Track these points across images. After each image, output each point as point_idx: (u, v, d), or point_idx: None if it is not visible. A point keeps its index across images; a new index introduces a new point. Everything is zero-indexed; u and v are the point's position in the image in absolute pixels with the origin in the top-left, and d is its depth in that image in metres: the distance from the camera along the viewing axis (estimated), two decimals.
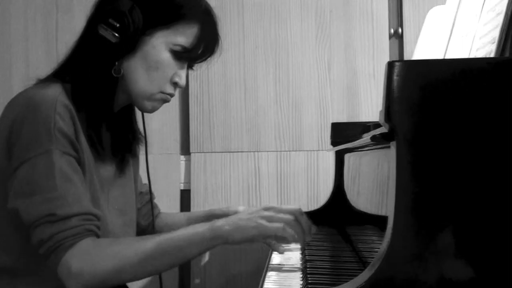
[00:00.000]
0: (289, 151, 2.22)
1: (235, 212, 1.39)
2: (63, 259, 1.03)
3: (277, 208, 1.16)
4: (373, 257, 0.83)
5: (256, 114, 2.24)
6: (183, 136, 2.30)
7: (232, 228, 1.10)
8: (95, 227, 1.08)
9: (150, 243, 1.08)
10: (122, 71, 1.15)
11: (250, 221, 1.11)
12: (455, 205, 0.80)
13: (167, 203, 2.23)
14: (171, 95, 1.21)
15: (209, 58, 1.22)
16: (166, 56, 1.16)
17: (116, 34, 1.12)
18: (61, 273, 1.03)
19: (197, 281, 2.19)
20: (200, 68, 2.26)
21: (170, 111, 2.28)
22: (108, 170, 1.22)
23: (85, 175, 1.12)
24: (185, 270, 2.23)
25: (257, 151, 2.23)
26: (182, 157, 2.29)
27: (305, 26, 2.24)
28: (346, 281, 0.84)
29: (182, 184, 2.27)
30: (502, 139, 0.80)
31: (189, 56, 1.19)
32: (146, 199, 1.44)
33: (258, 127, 2.23)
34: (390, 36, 2.23)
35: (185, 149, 2.29)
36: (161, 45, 1.15)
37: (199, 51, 1.19)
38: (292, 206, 1.22)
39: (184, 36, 1.16)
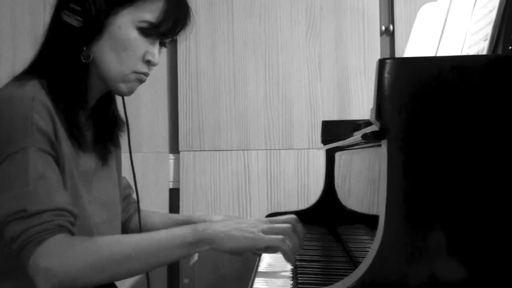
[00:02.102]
0: (279, 149, 2.21)
1: (215, 219, 1.37)
2: (33, 256, 1.00)
3: (274, 219, 1.13)
4: (364, 257, 0.83)
5: (245, 112, 2.23)
6: (172, 134, 2.29)
7: (222, 235, 1.06)
8: (68, 223, 1.05)
9: (126, 242, 1.06)
10: (91, 56, 1.13)
11: (245, 232, 1.07)
12: (446, 204, 0.80)
13: (155, 202, 2.22)
14: (146, 74, 1.19)
15: (180, 33, 1.20)
16: (134, 34, 1.14)
17: (79, 18, 1.11)
18: (31, 270, 1.01)
19: (186, 281, 2.18)
20: (189, 67, 2.26)
21: (158, 109, 2.27)
22: (89, 162, 1.20)
23: (64, 172, 1.10)
24: (174, 270, 2.22)
25: (247, 150, 2.22)
26: (171, 156, 2.28)
27: (295, 23, 2.24)
28: (337, 281, 0.83)
29: (171, 183, 2.26)
30: (494, 137, 0.80)
31: (158, 32, 1.17)
32: (125, 193, 1.42)
33: (247, 125, 2.23)
34: (381, 33, 2.23)
35: (174, 148, 2.28)
36: (126, 23, 1.13)
37: (168, 26, 1.17)
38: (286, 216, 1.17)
39: (149, 11, 1.14)
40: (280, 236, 1.08)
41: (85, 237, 1.09)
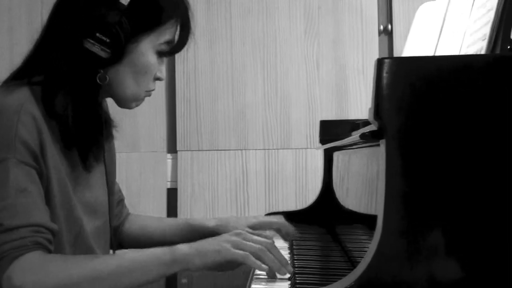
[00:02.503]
0: (277, 149, 2.21)
1: (213, 222, 1.35)
2: (7, 272, 0.98)
3: (248, 236, 1.09)
4: (362, 257, 0.83)
5: (243, 112, 2.23)
6: (170, 134, 2.28)
7: (193, 252, 1.03)
8: (45, 241, 1.02)
9: (101, 263, 1.04)
10: (107, 79, 1.13)
11: (212, 245, 1.04)
12: (445, 204, 0.80)
13: (153, 202, 2.22)
14: (153, 90, 1.19)
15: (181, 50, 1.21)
16: (153, 58, 1.14)
17: (107, 49, 1.08)
18: (4, 286, 0.98)
19: (184, 281, 2.17)
20: (187, 66, 2.25)
21: (156, 109, 2.27)
22: (80, 169, 1.18)
23: (51, 183, 1.08)
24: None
25: (245, 149, 2.22)
26: (169, 155, 2.27)
27: (294, 23, 2.23)
28: (335, 281, 0.83)
29: (168, 183, 2.26)
30: (493, 137, 0.80)
31: (171, 52, 1.17)
32: (117, 198, 1.40)
33: (245, 125, 2.22)
34: (380, 33, 2.22)
35: (172, 147, 2.27)
36: (149, 50, 1.13)
37: (180, 46, 1.18)
38: (265, 236, 1.12)
39: (167, 35, 1.15)
40: (244, 252, 1.05)
41: (59, 255, 1.07)
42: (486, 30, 0.96)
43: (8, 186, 1.00)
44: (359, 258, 1.05)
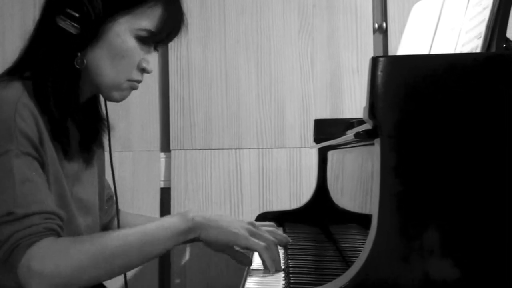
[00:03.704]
0: (271, 148, 2.21)
1: None
2: (23, 259, 0.99)
3: (261, 229, 1.13)
4: (356, 257, 0.83)
5: (237, 111, 2.22)
6: (163, 133, 2.28)
7: (209, 224, 1.07)
8: (57, 226, 1.04)
9: (116, 238, 1.05)
10: (85, 62, 1.12)
11: (232, 227, 1.08)
12: (440, 203, 0.80)
13: (146, 201, 2.21)
14: (139, 82, 1.18)
15: (174, 38, 1.19)
16: (132, 42, 1.12)
17: (76, 25, 1.08)
18: (21, 274, 0.99)
19: (177, 280, 2.17)
20: (180, 64, 2.25)
21: (150, 107, 2.26)
22: (73, 166, 1.18)
23: (49, 176, 1.08)
24: (165, 270, 2.21)
25: (239, 148, 2.21)
26: (162, 154, 2.27)
27: (288, 21, 2.23)
28: (329, 281, 0.83)
29: (162, 182, 2.25)
30: (489, 136, 0.80)
31: (156, 40, 1.15)
32: (107, 195, 1.40)
33: (239, 124, 2.22)
34: (374, 31, 2.22)
35: (165, 146, 2.27)
36: (125, 31, 1.11)
37: (166, 33, 1.15)
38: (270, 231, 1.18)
39: (148, 19, 1.12)
40: (263, 243, 1.08)
41: (75, 237, 1.07)
42: (482, 29, 0.96)
43: (13, 176, 1.01)
44: (354, 258, 1.05)
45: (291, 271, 1.13)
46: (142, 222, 1.42)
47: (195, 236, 1.07)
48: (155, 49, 1.20)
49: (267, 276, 1.12)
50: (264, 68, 2.23)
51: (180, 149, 2.23)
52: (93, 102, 1.25)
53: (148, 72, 1.17)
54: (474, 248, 0.79)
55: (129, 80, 1.15)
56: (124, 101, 2.36)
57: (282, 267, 1.16)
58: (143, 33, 1.12)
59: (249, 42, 2.24)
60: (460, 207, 0.80)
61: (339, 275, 0.82)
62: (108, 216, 1.40)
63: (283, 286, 1.07)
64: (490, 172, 0.80)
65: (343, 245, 1.31)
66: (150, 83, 2.27)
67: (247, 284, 1.08)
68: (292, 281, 1.06)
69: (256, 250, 1.09)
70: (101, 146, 1.31)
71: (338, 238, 1.41)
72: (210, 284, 2.17)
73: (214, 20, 2.25)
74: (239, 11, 2.24)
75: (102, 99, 1.29)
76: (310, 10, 2.22)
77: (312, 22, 2.22)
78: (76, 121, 1.19)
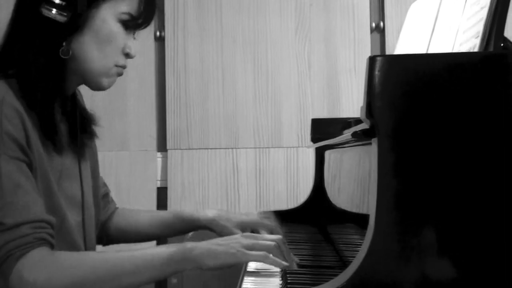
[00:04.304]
0: (268, 147, 2.20)
1: (204, 216, 1.34)
2: (14, 270, 0.98)
3: (257, 236, 1.10)
4: (354, 256, 0.83)
5: (234, 110, 2.22)
6: (160, 132, 2.27)
7: (205, 253, 1.03)
8: (47, 235, 1.02)
9: (111, 260, 1.03)
10: (71, 52, 1.11)
11: (228, 248, 1.04)
12: (437, 202, 0.80)
13: (143, 201, 2.20)
14: (124, 67, 1.18)
15: (148, 25, 1.20)
16: (117, 27, 1.13)
17: (63, 13, 1.08)
18: (13, 284, 0.98)
19: (174, 281, 2.16)
20: (177, 64, 2.24)
21: (146, 107, 2.26)
22: (64, 161, 1.17)
23: (37, 177, 1.07)
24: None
25: (235, 148, 2.21)
26: (159, 154, 2.26)
27: (285, 20, 2.23)
28: (327, 281, 0.83)
29: (158, 182, 2.25)
30: (486, 135, 0.80)
31: (136, 24, 1.16)
32: (103, 192, 1.39)
33: (236, 123, 2.21)
34: (372, 30, 2.22)
35: (162, 146, 2.26)
36: (110, 16, 1.12)
37: (144, 17, 1.16)
38: (272, 235, 1.15)
39: (128, 3, 1.13)
40: (263, 252, 1.05)
41: (68, 252, 1.07)
42: (479, 28, 0.96)
43: (2, 184, 1.00)
44: (351, 258, 1.05)
45: (288, 271, 1.13)
46: (145, 219, 1.42)
47: (194, 267, 1.04)
48: (134, 35, 1.20)
49: (263, 278, 1.12)
50: (261, 68, 2.23)
51: (177, 149, 2.23)
52: (73, 98, 1.24)
53: (131, 57, 1.17)
54: (472, 247, 0.79)
55: (116, 66, 1.15)
56: (120, 101, 2.37)
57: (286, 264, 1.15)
58: (125, 17, 1.13)
59: (246, 42, 2.23)
60: (457, 206, 0.80)
61: (336, 275, 0.82)
62: (106, 213, 1.40)
63: (280, 286, 1.07)
64: (488, 171, 0.80)
65: (341, 244, 1.31)
66: (147, 83, 2.26)
67: (244, 284, 1.08)
68: (289, 281, 1.06)
69: (259, 261, 1.07)
70: (92, 138, 1.29)
71: (335, 237, 1.40)
72: (207, 284, 2.17)
73: (210, 19, 2.24)
74: (236, 10, 2.24)
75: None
76: (307, 9, 2.22)
77: (309, 21, 2.22)
78: (64, 113, 1.18)
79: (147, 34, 2.25)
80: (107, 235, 1.38)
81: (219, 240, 1.07)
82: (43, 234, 1.01)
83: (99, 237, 1.34)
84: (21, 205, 1.00)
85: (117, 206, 1.43)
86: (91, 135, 1.27)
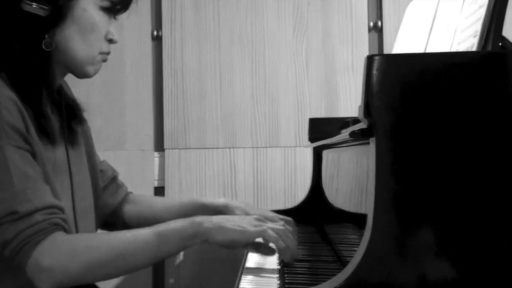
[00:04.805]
0: (266, 147, 2.20)
1: (224, 204, 1.34)
2: (32, 257, 0.99)
3: (267, 221, 1.11)
4: (352, 256, 0.82)
5: (232, 110, 2.22)
6: (157, 132, 2.27)
7: (215, 228, 1.06)
8: (61, 221, 1.04)
9: (126, 238, 1.05)
10: (54, 44, 1.12)
11: (238, 225, 1.07)
12: (436, 203, 0.80)
13: None
14: (108, 53, 1.19)
15: (128, 8, 1.20)
16: (98, 14, 1.14)
17: (44, 6, 1.09)
18: (31, 272, 1.00)
19: (171, 280, 2.16)
20: (174, 64, 2.24)
21: (143, 106, 2.25)
22: (58, 152, 1.17)
23: (39, 166, 1.08)
24: (159, 269, 2.21)
25: (233, 148, 2.21)
26: (156, 154, 2.26)
27: (282, 19, 2.22)
28: (324, 281, 0.82)
29: (156, 181, 2.25)
30: (484, 134, 0.80)
31: (116, 9, 1.17)
32: (110, 175, 1.39)
33: (233, 123, 2.21)
34: (370, 30, 2.22)
35: (159, 146, 2.26)
36: (90, 5, 1.13)
37: (124, 1, 1.17)
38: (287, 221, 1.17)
39: None
40: (274, 234, 1.07)
41: (84, 234, 1.09)
42: (477, 27, 0.96)
43: (10, 173, 1.01)
44: (349, 258, 1.05)
45: (285, 271, 1.13)
46: (157, 204, 1.42)
47: (203, 240, 1.07)
48: (114, 18, 1.20)
49: (261, 278, 1.12)
50: (259, 67, 2.22)
51: (174, 148, 2.22)
52: (60, 87, 1.25)
53: (114, 42, 1.18)
54: (470, 247, 0.79)
55: (101, 53, 1.15)
56: (117, 100, 2.36)
57: (276, 265, 1.16)
58: (106, 4, 1.14)
59: (243, 41, 2.23)
60: (456, 206, 0.79)
61: (334, 275, 0.82)
62: (116, 198, 1.39)
63: (278, 286, 1.07)
64: (486, 171, 0.79)
65: (338, 245, 1.31)
66: (144, 82, 2.26)
67: (242, 284, 1.08)
68: (287, 281, 1.05)
69: (260, 236, 1.08)
70: (81, 124, 1.29)
71: (333, 237, 1.40)
72: (205, 284, 2.17)
73: (208, 18, 2.24)
74: (233, 9, 2.24)
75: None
76: (305, 8, 2.22)
77: (307, 21, 2.22)
78: (54, 104, 1.18)
79: (144, 34, 2.25)
80: (123, 221, 1.38)
81: (229, 217, 1.10)
82: (56, 219, 1.03)
83: (112, 223, 1.35)
84: (32, 193, 1.01)
85: (128, 190, 1.43)
86: (81, 120, 1.28)
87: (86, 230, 1.22)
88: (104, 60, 1.18)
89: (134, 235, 1.06)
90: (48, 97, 1.16)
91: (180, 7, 2.24)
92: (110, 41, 1.17)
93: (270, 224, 1.10)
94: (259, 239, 1.11)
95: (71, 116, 1.24)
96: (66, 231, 1.05)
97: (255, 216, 1.12)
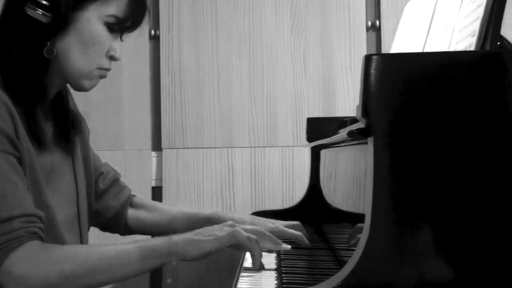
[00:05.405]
0: (264, 147, 2.20)
1: (241, 219, 1.34)
2: (5, 263, 0.98)
3: (237, 224, 1.12)
4: (349, 256, 0.82)
5: (229, 109, 2.21)
6: (155, 131, 2.26)
7: (187, 244, 1.06)
8: (38, 230, 1.03)
9: (101, 253, 1.05)
10: (55, 52, 1.11)
11: (211, 236, 1.07)
12: (433, 202, 0.79)
13: None
14: (108, 70, 1.17)
15: (137, 28, 1.19)
16: (101, 29, 1.12)
17: (47, 13, 1.08)
18: (3, 278, 0.99)
19: (169, 280, 2.16)
20: (172, 63, 2.24)
21: (141, 106, 2.25)
22: (51, 158, 1.17)
23: (26, 171, 1.07)
24: (156, 268, 2.20)
25: (231, 147, 2.20)
26: (154, 153, 2.25)
27: (280, 18, 2.22)
28: (322, 281, 0.82)
29: (153, 181, 2.24)
30: (483, 134, 0.79)
31: (122, 27, 1.15)
32: (111, 178, 1.39)
33: (231, 122, 2.21)
34: (368, 29, 2.22)
35: (157, 145, 2.25)
36: (95, 19, 1.11)
37: (131, 21, 1.16)
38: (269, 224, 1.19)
39: (115, 6, 1.12)
40: (246, 235, 1.08)
41: (59, 245, 1.07)
42: (476, 26, 0.96)
43: None
44: (347, 258, 1.05)
45: (283, 271, 1.13)
46: (178, 219, 1.40)
47: (180, 259, 1.06)
48: (121, 38, 1.19)
49: (259, 276, 1.12)
50: (256, 66, 2.22)
51: (172, 148, 2.22)
52: (60, 97, 1.24)
53: (116, 60, 1.17)
54: (469, 247, 0.79)
55: (99, 68, 1.14)
56: (115, 100, 2.36)
57: (274, 265, 1.16)
58: (111, 20, 1.12)
59: (241, 40, 2.23)
60: (454, 205, 0.79)
61: (332, 275, 0.81)
62: (118, 201, 1.38)
63: (276, 286, 1.07)
64: (485, 170, 0.79)
65: (336, 244, 1.31)
66: (141, 82, 2.25)
67: (239, 284, 1.08)
68: (284, 281, 1.05)
69: (243, 244, 1.08)
70: (80, 132, 1.29)
71: (331, 237, 1.40)
72: (202, 284, 2.16)
73: (205, 18, 2.24)
74: (231, 8, 2.23)
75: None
76: (302, 8, 2.22)
77: (305, 20, 2.22)
78: (46, 114, 1.18)
79: (141, 33, 2.25)
80: (125, 225, 1.38)
81: (201, 230, 1.09)
82: (34, 228, 1.02)
83: (114, 226, 1.35)
84: (13, 199, 1.01)
85: (131, 193, 1.43)
86: (79, 130, 1.27)
87: (85, 234, 1.22)
88: (103, 76, 1.17)
89: (110, 250, 1.05)
90: (42, 103, 1.15)
91: (178, 6, 2.24)
92: (112, 57, 1.16)
93: (244, 226, 1.10)
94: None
95: (67, 125, 1.23)
96: (43, 240, 1.04)
97: (226, 223, 1.12)
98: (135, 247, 1.05)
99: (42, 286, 0.99)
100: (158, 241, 1.06)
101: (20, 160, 1.06)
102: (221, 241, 1.06)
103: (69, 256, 1.03)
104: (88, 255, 1.04)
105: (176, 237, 1.06)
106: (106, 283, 1.06)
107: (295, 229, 1.28)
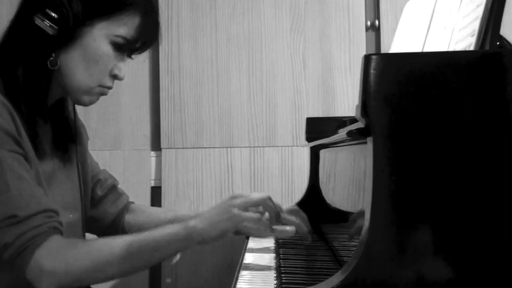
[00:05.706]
0: (263, 147, 2.20)
1: None
2: (33, 260, 1.01)
3: (245, 194, 1.16)
4: (349, 256, 0.83)
5: (228, 109, 2.21)
6: (154, 131, 2.26)
7: (206, 226, 1.08)
8: (58, 224, 1.06)
9: (124, 243, 1.07)
10: (58, 64, 1.11)
11: (223, 214, 1.10)
12: (433, 201, 0.79)
13: (137, 201, 2.18)
14: (110, 88, 1.17)
15: (148, 49, 1.19)
16: (107, 48, 1.12)
17: (55, 26, 1.08)
18: (32, 274, 1.01)
19: (168, 280, 2.16)
20: (171, 63, 2.23)
21: (140, 106, 2.25)
22: (49, 164, 1.17)
23: (32, 170, 1.08)
24: (156, 269, 2.20)
25: (230, 147, 2.20)
26: (153, 153, 2.25)
27: (279, 18, 2.22)
28: (322, 281, 0.82)
29: (152, 181, 2.24)
30: (482, 134, 0.80)
31: (130, 48, 1.15)
32: (109, 184, 1.39)
33: (230, 122, 2.21)
34: (367, 29, 2.22)
35: (156, 145, 2.25)
36: (102, 37, 1.11)
37: (141, 43, 1.15)
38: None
39: (125, 27, 1.12)
40: (256, 215, 1.12)
41: (84, 239, 1.12)
42: (475, 26, 0.96)
43: (6, 177, 1.01)
44: (346, 258, 1.05)
45: (283, 271, 1.13)
46: (157, 216, 1.42)
47: (198, 243, 1.09)
48: (129, 57, 1.19)
49: (258, 275, 1.13)
50: (256, 66, 2.22)
51: (171, 148, 2.22)
52: (61, 104, 1.24)
53: (119, 79, 1.17)
54: (469, 246, 0.79)
55: (100, 86, 1.14)
56: (114, 100, 2.35)
57: (274, 265, 1.16)
58: (119, 40, 1.12)
59: (240, 40, 2.23)
60: (453, 205, 0.79)
61: (331, 275, 0.81)
62: (116, 207, 1.39)
63: (275, 286, 1.07)
64: (484, 170, 0.79)
65: (336, 244, 1.31)
66: (141, 82, 2.25)
67: (239, 284, 1.08)
68: (284, 280, 1.05)
69: (253, 223, 1.12)
70: (79, 144, 1.29)
71: (330, 237, 1.40)
72: (201, 284, 2.16)
73: (205, 18, 2.24)
74: (230, 9, 2.23)
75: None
76: (302, 8, 2.22)
77: (304, 20, 2.22)
78: (45, 120, 1.18)
79: None
80: (123, 231, 1.39)
81: (213, 209, 1.13)
82: (54, 223, 1.05)
83: (109, 233, 1.36)
84: (29, 196, 1.03)
85: (129, 200, 1.43)
86: (79, 139, 1.28)
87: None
88: (103, 94, 1.17)
89: (131, 240, 1.08)
90: (41, 111, 1.15)
91: (177, 7, 2.24)
92: (115, 76, 1.16)
93: (253, 197, 1.15)
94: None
95: (66, 137, 1.24)
96: (62, 234, 1.06)
97: (233, 195, 1.15)
98: (155, 236, 1.08)
99: (71, 278, 1.02)
100: (177, 227, 1.09)
101: (26, 159, 1.07)
102: (237, 218, 1.09)
103: (95, 248, 1.06)
104: (114, 245, 1.06)
105: (193, 222, 1.09)
106: (131, 273, 1.10)
107: (293, 214, 1.28)
